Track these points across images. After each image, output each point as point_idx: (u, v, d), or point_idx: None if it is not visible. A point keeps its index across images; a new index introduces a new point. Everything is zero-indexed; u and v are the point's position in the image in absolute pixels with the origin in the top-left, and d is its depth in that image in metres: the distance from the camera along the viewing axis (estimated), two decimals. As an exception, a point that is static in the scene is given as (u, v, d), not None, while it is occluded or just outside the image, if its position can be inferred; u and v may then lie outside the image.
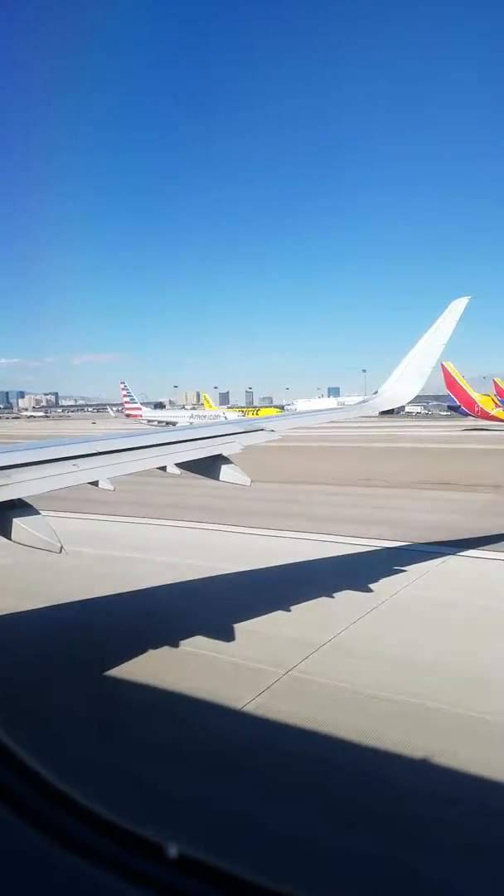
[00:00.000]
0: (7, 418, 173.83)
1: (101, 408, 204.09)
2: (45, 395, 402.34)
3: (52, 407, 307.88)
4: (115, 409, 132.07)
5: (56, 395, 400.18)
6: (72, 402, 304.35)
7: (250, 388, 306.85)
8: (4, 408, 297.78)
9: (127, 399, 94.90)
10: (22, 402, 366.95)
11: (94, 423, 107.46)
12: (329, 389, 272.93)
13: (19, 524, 6.16)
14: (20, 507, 6.26)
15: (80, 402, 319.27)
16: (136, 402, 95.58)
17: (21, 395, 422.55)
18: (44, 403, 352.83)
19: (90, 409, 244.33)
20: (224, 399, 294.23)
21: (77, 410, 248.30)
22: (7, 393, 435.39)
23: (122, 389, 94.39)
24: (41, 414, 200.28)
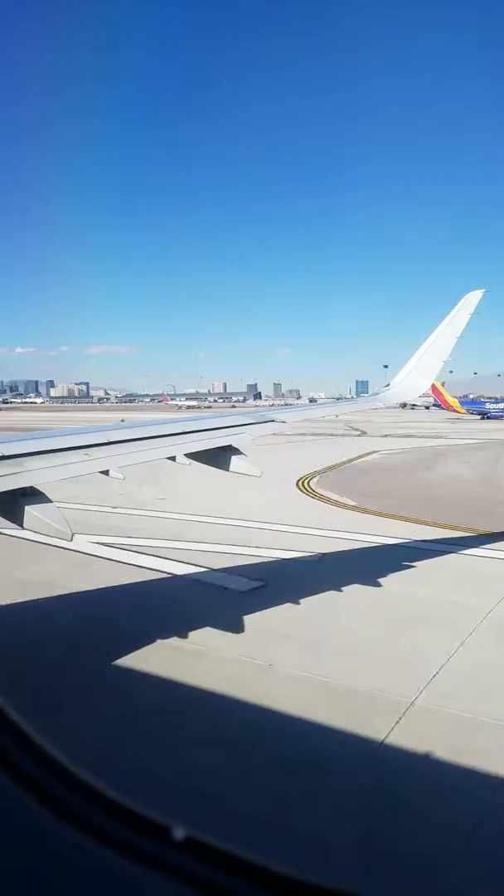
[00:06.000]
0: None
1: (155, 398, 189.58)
2: (77, 384, 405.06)
3: (83, 397, 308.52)
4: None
5: (87, 384, 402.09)
6: (102, 394, 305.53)
7: (278, 382, 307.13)
8: (36, 396, 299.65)
9: None
10: (53, 392, 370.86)
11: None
12: (357, 383, 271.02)
13: (31, 511, 6.32)
14: (32, 494, 6.43)
15: (111, 392, 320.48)
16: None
17: (51, 384, 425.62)
18: (76, 394, 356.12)
19: (147, 399, 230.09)
20: (251, 390, 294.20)
21: (130, 401, 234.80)
22: (36, 382, 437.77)
23: None
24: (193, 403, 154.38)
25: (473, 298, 8.96)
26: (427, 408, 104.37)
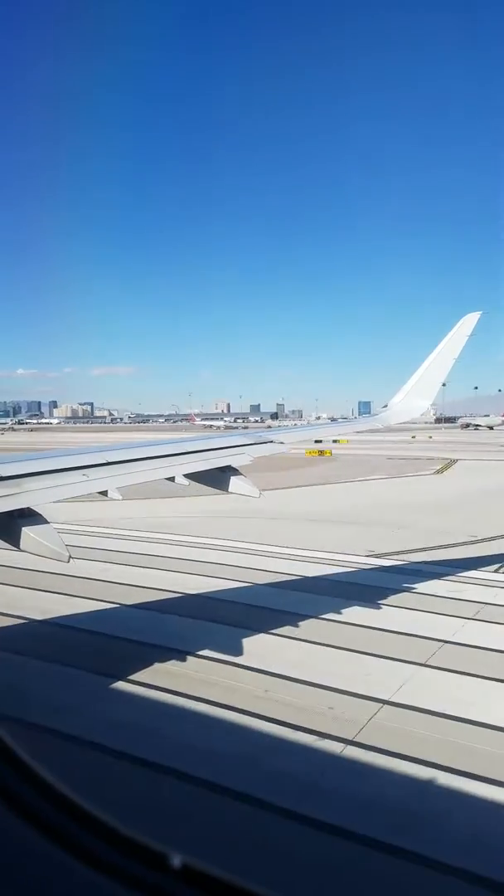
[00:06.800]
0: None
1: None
2: (81, 405, 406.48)
3: (88, 418, 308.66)
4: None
5: (91, 405, 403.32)
6: (106, 414, 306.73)
7: (281, 402, 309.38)
8: (46, 417, 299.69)
9: None
10: (56, 412, 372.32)
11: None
12: (360, 403, 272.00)
13: (28, 533, 6.30)
14: (29, 515, 6.41)
15: (114, 412, 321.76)
16: None
17: (55, 404, 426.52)
18: (80, 414, 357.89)
19: (160, 419, 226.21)
20: (255, 410, 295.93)
21: (144, 421, 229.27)
22: (39, 402, 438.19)
23: None
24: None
25: (471, 320, 9.06)
26: (491, 427, 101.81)
